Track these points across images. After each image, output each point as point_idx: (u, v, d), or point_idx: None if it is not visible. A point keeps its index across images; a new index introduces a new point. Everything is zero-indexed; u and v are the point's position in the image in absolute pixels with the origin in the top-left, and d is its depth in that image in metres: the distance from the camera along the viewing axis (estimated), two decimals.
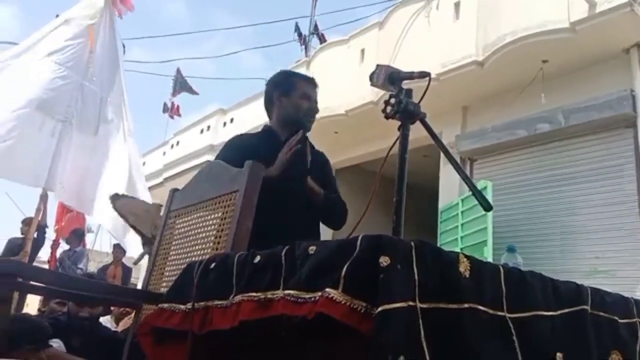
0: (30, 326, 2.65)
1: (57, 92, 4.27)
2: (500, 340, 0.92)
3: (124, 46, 4.94)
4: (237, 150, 2.04)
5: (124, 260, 7.86)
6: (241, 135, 2.36)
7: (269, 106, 2.28)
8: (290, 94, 2.20)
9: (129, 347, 1.83)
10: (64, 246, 7.30)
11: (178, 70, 14.18)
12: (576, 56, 5.86)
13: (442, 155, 1.50)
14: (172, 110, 14.65)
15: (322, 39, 11.30)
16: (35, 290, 1.99)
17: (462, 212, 6.38)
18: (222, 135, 12.01)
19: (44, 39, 4.36)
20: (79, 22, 4.50)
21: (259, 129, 2.34)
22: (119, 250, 7.51)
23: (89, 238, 8.00)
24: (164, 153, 14.11)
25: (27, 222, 6.45)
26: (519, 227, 6.32)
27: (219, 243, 1.68)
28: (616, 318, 1.20)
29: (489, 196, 5.62)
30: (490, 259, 5.31)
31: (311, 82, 2.26)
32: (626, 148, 5.70)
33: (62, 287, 1.75)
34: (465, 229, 6.29)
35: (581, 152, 6.05)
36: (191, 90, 14.20)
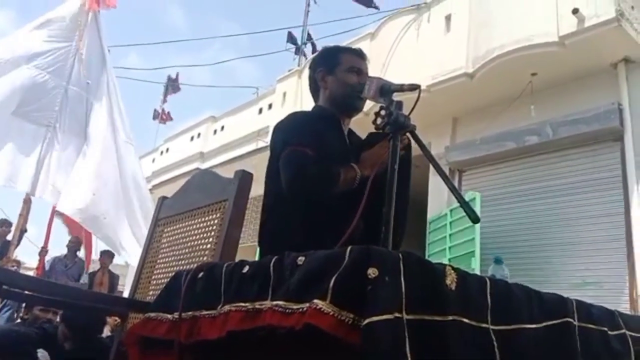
0: (15, 336, 2.62)
1: (38, 98, 4.25)
2: (482, 352, 0.93)
3: (108, 50, 4.92)
4: (310, 136, 1.72)
5: (110, 267, 7.77)
6: (300, 114, 2.00)
7: (315, 91, 1.98)
8: (334, 70, 1.90)
9: (115, 355, 1.81)
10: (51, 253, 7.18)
11: (169, 78, 14.19)
12: (565, 70, 5.94)
13: (431, 166, 1.48)
14: (161, 117, 14.64)
15: (314, 49, 11.35)
16: (18, 297, 1.97)
17: (450, 222, 6.40)
18: (212, 142, 12.00)
19: (22, 43, 4.33)
20: (60, 25, 4.48)
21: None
22: (106, 257, 7.43)
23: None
24: (154, 160, 14.06)
25: (1, 224, 6.37)
26: (507, 238, 6.35)
27: (207, 252, 1.68)
28: (606, 329, 1.21)
29: (477, 207, 5.65)
30: (477, 270, 5.34)
31: (358, 54, 1.97)
32: (613, 161, 5.77)
33: (46, 295, 1.73)
34: (453, 240, 6.31)
35: (569, 165, 6.12)
36: (176, 88, 14.21)
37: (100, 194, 4.45)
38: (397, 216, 1.31)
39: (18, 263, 6.31)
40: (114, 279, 7.71)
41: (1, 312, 4.96)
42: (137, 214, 4.46)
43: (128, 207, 4.54)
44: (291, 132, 1.77)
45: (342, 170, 1.66)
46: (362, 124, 1.91)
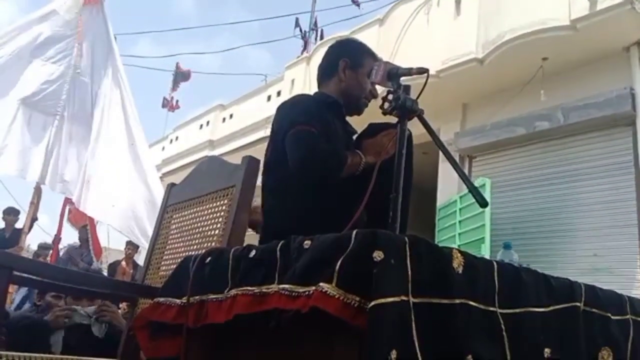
0: (30, 322, 2.65)
1: (45, 87, 4.30)
2: (489, 335, 0.93)
3: (115, 37, 4.93)
4: (316, 117, 1.71)
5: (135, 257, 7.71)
6: (305, 96, 1.97)
7: (329, 72, 1.94)
8: (357, 69, 1.90)
9: (125, 340, 1.84)
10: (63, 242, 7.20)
11: (177, 65, 14.19)
12: (576, 54, 5.86)
13: (440, 152, 1.48)
14: (170, 105, 14.67)
15: (321, 36, 11.29)
16: (30, 284, 1.99)
17: (460, 209, 6.38)
18: (221, 130, 12.02)
19: (26, 34, 4.36)
20: (64, 14, 4.51)
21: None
22: (131, 247, 7.40)
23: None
24: (163, 148, 14.12)
25: (8, 212, 6.43)
26: (517, 224, 6.32)
27: (215, 238, 1.68)
28: (609, 315, 1.20)
29: (488, 194, 5.63)
30: (487, 257, 5.32)
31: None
32: (625, 146, 5.70)
33: (57, 281, 1.75)
34: (463, 226, 6.29)
35: (580, 150, 6.06)
36: (187, 77, 14.21)
37: (110, 183, 4.49)
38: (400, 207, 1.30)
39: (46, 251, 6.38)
40: (137, 270, 7.60)
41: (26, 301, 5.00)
42: (153, 199, 4.49)
43: (142, 192, 4.58)
44: (298, 111, 1.75)
45: (349, 154, 1.65)
46: (370, 109, 1.90)
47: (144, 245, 4.68)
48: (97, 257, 7.22)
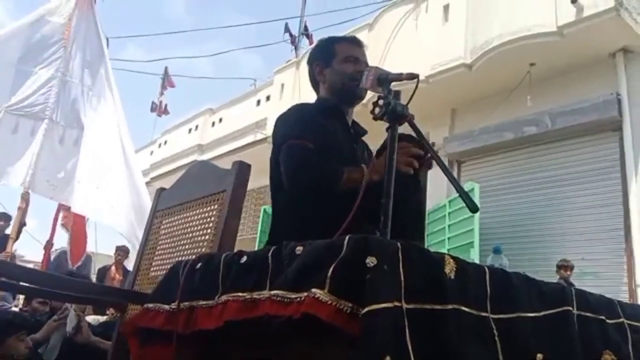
0: (9, 317, 2.63)
1: (31, 92, 4.28)
2: (482, 340, 0.93)
3: (107, 39, 4.93)
4: (312, 128, 1.67)
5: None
6: (302, 106, 1.88)
7: (315, 86, 1.94)
8: (330, 62, 1.86)
9: (114, 346, 1.82)
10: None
11: (166, 70, 14.15)
12: (563, 60, 5.93)
13: (431, 156, 1.49)
14: (159, 109, 14.60)
15: (310, 40, 11.32)
16: (17, 289, 1.96)
17: (449, 213, 6.40)
18: (210, 135, 11.98)
19: (11, 41, 4.35)
20: (54, 19, 4.51)
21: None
22: (121, 252, 7.32)
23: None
24: (152, 152, 14.04)
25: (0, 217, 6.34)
26: (505, 229, 6.36)
27: (205, 243, 1.67)
28: (604, 318, 1.20)
29: (476, 198, 5.65)
30: (477, 261, 5.34)
31: (354, 42, 1.91)
32: (612, 151, 5.77)
33: (44, 286, 1.73)
34: (452, 231, 6.31)
35: (567, 155, 6.12)
36: (170, 83, 14.20)
37: (106, 185, 4.48)
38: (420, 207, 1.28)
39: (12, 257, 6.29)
40: (127, 275, 7.51)
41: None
42: (142, 203, 4.48)
43: (134, 196, 4.57)
44: (293, 124, 1.73)
45: (347, 170, 1.58)
46: (360, 115, 1.90)
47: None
48: (72, 262, 7.11)
